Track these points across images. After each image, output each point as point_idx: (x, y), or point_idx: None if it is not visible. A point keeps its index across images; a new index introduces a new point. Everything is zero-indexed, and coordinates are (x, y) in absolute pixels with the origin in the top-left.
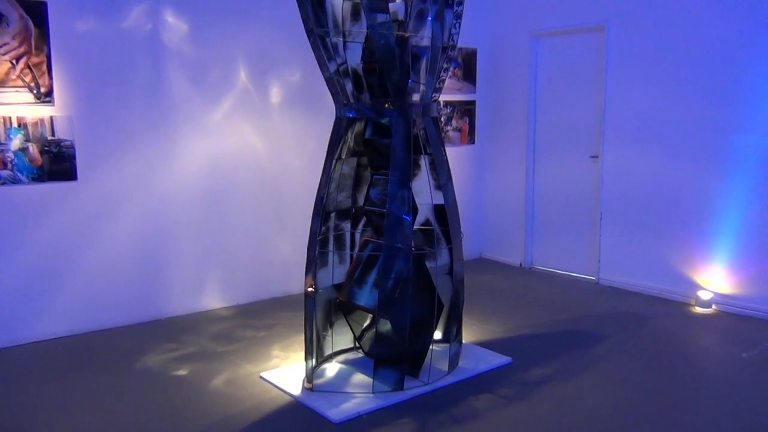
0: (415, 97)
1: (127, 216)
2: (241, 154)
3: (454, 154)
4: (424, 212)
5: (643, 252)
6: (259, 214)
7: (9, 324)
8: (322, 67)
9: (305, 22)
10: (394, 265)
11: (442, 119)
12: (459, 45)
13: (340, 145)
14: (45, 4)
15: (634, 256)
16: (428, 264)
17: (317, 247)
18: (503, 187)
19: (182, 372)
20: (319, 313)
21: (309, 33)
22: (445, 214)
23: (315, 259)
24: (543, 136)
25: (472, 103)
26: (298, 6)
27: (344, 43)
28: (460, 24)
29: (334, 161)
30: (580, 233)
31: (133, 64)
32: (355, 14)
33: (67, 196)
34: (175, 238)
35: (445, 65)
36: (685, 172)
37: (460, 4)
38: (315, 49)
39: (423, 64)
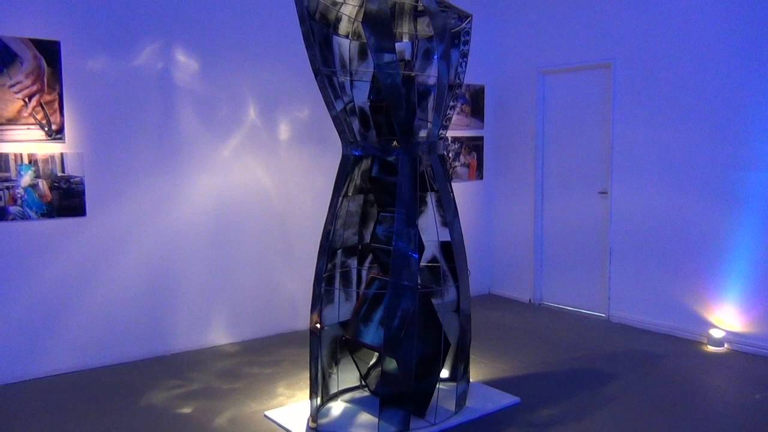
0: (422, 135)
1: (135, 252)
2: (249, 190)
3: (462, 189)
4: (430, 249)
5: (654, 289)
6: (267, 250)
7: (14, 359)
8: (329, 105)
9: (312, 62)
10: (400, 303)
11: (450, 155)
12: (466, 82)
13: (347, 182)
14: (58, 44)
15: (644, 293)
16: (435, 301)
17: (323, 284)
18: (512, 222)
19: (186, 410)
20: (324, 350)
21: (316, 73)
22: (451, 250)
23: (320, 297)
24: (551, 171)
25: (480, 138)
26: (306, 47)
27: (351, 82)
28: (466, 62)
29: (340, 198)
30: (589, 269)
31: (143, 101)
32: (362, 54)
33: (76, 231)
34: (182, 274)
35: (451, 103)
36: (694, 208)
37: (466, 43)
38: (322, 89)
39: (429, 103)
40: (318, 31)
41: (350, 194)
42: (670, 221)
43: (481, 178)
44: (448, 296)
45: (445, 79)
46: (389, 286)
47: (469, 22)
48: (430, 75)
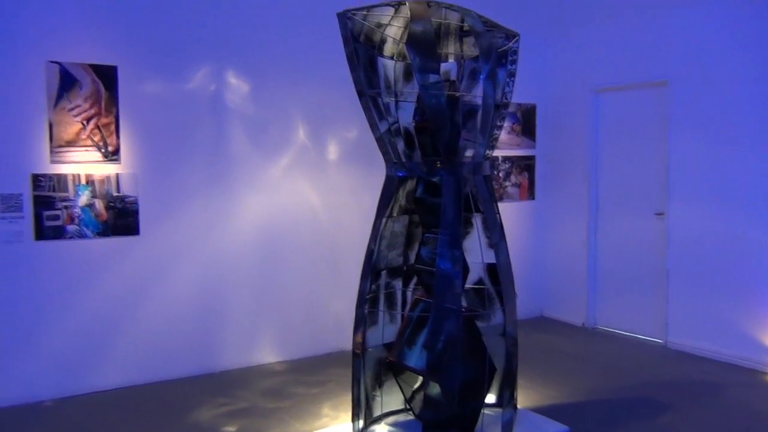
0: (468, 155)
1: (186, 270)
2: (297, 210)
3: (513, 209)
4: (476, 271)
5: (714, 314)
6: (315, 269)
7: (68, 374)
8: (373, 127)
9: (357, 84)
10: (444, 326)
11: (501, 174)
12: (517, 100)
13: (391, 203)
14: (115, 69)
15: (704, 318)
16: (480, 324)
17: (366, 306)
18: (564, 243)
19: (231, 428)
20: (368, 372)
21: (360, 94)
22: (498, 273)
23: (363, 318)
24: (605, 192)
25: (532, 158)
26: (350, 69)
27: (396, 103)
28: (513, 82)
29: (385, 219)
30: (645, 293)
31: (195, 123)
32: (408, 75)
33: (130, 250)
34: (231, 292)
35: (498, 123)
36: (756, 230)
37: (514, 62)
38: (366, 110)
39: (475, 123)
40: (362, 52)
41: (395, 215)
42: (731, 244)
43: (533, 198)
44: (495, 319)
45: (491, 99)
46: (432, 308)
47: (516, 41)
48: (476, 95)
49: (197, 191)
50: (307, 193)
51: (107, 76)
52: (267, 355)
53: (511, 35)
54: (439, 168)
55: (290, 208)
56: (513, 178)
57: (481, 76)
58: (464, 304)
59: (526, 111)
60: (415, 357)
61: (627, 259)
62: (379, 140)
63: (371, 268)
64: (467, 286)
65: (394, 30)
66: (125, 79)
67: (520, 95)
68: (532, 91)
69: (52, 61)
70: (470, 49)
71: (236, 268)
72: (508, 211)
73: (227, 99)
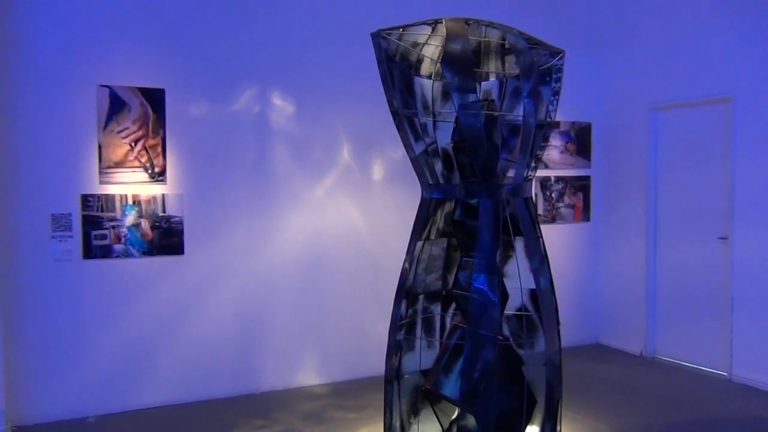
0: (510, 175)
1: (229, 290)
2: (341, 230)
3: (567, 231)
4: (517, 297)
5: None
6: (358, 291)
7: (111, 391)
8: (408, 147)
9: (390, 104)
10: (479, 355)
11: (553, 195)
12: (572, 119)
13: (428, 225)
14: (163, 92)
15: None
16: (523, 353)
17: (403, 332)
18: (622, 267)
19: None
20: (404, 399)
21: (394, 114)
22: (551, 299)
23: (395, 344)
24: (664, 214)
25: (587, 178)
26: (384, 89)
27: (434, 123)
28: (557, 101)
29: (422, 242)
30: (708, 322)
31: (240, 144)
32: (446, 94)
33: (174, 269)
34: (273, 313)
35: (542, 143)
36: None
37: (558, 80)
38: (401, 130)
39: (517, 143)
40: (398, 72)
41: (432, 237)
42: None
43: (588, 220)
44: (538, 348)
45: (533, 119)
46: (467, 335)
47: (560, 58)
48: (518, 114)
49: (241, 211)
50: (351, 214)
51: (155, 98)
52: (308, 377)
53: (555, 52)
54: (477, 190)
55: (333, 229)
56: (567, 198)
57: (522, 95)
58: (505, 331)
59: (580, 130)
60: (451, 386)
61: (688, 285)
62: (415, 161)
63: (405, 293)
64: (508, 312)
65: (431, 49)
66: (172, 102)
67: (574, 114)
68: (587, 109)
69: (103, 85)
70: (512, 67)
71: (279, 288)
72: (561, 233)
73: (272, 120)
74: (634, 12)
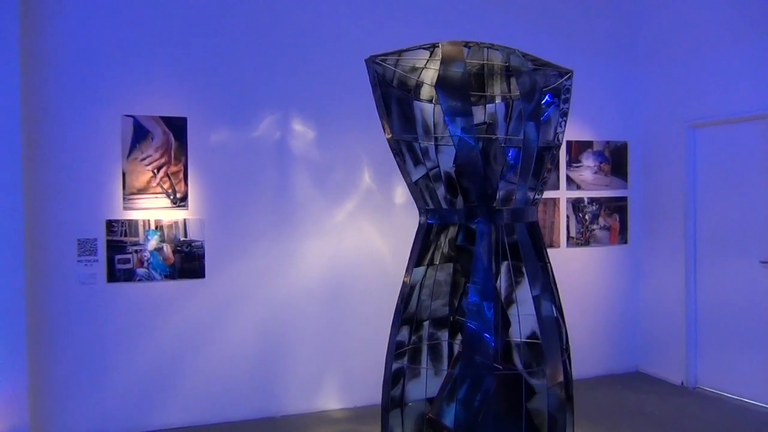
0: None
1: (250, 313)
2: (363, 254)
3: (602, 254)
4: (529, 324)
5: None
6: (380, 315)
7: (134, 410)
8: (406, 173)
9: (388, 130)
10: (473, 383)
11: (587, 217)
12: (606, 138)
13: (431, 250)
14: (185, 120)
15: None
16: (536, 383)
17: (406, 358)
18: (662, 292)
19: None
20: (408, 427)
21: (391, 140)
22: (558, 328)
23: (396, 372)
24: (705, 236)
25: (624, 199)
26: (379, 115)
27: (437, 147)
28: (565, 122)
29: (424, 267)
30: (753, 351)
31: (260, 170)
32: None
33: (195, 292)
34: (295, 337)
35: (549, 166)
36: None
37: (567, 101)
38: (398, 155)
39: (522, 167)
40: (396, 98)
41: (437, 263)
42: None
43: (626, 242)
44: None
45: (534, 142)
46: (460, 364)
47: (568, 78)
48: (514, 138)
49: (262, 236)
50: (373, 237)
51: (177, 127)
52: (329, 401)
53: (563, 72)
54: (473, 215)
55: (355, 253)
56: (601, 220)
57: (524, 117)
58: (516, 360)
59: (615, 149)
60: (452, 415)
61: (731, 311)
62: (413, 186)
63: (406, 319)
64: (521, 340)
65: (431, 74)
66: (194, 130)
67: (608, 133)
68: (623, 128)
69: (127, 115)
70: (517, 89)
71: (300, 312)
72: (596, 256)
73: (292, 145)
74: (670, 27)
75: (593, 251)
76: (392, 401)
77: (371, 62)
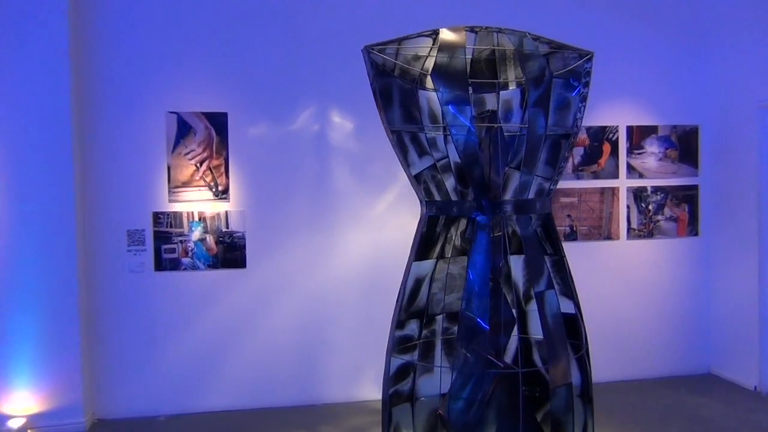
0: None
1: (289, 302)
2: (402, 245)
3: (668, 247)
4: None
5: None
6: None
7: (182, 393)
8: (409, 164)
9: (389, 121)
10: (470, 381)
11: (650, 207)
12: (673, 123)
13: (440, 243)
14: (226, 115)
15: None
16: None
17: (417, 352)
18: (735, 288)
19: None
20: (419, 422)
21: (391, 131)
22: (574, 325)
23: (403, 367)
24: None
25: (694, 188)
26: (378, 106)
27: (445, 137)
28: (585, 107)
29: (433, 261)
30: None
31: (299, 162)
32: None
33: (237, 282)
34: (334, 326)
35: (566, 154)
36: None
37: (587, 85)
38: (399, 146)
39: (541, 155)
40: (398, 87)
41: (448, 256)
42: None
43: (696, 234)
44: (572, 377)
45: (542, 129)
46: (456, 360)
47: (588, 60)
48: (518, 125)
49: (301, 227)
50: (411, 229)
51: (218, 122)
52: (369, 391)
53: (583, 54)
54: (471, 206)
55: (394, 244)
56: (668, 210)
57: (529, 104)
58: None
59: (684, 134)
60: (455, 411)
61: None
62: (416, 177)
63: (408, 313)
64: (539, 338)
65: (452, 60)
66: (234, 124)
67: (676, 116)
68: (693, 111)
69: (171, 111)
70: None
71: (339, 302)
72: (661, 248)
73: (331, 137)
74: (739, 3)
75: (658, 244)
76: (400, 396)
77: (368, 52)
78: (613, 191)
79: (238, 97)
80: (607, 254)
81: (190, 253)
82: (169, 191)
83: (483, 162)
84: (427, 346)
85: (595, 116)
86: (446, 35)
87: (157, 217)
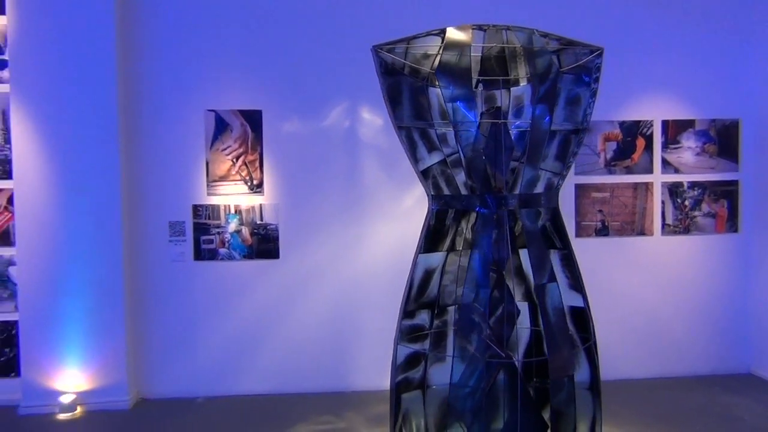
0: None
1: (321, 292)
2: None
3: (706, 243)
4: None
5: None
6: None
7: (219, 377)
8: (418, 160)
9: (398, 118)
10: (467, 372)
11: (687, 203)
12: (711, 116)
13: (450, 236)
14: (260, 113)
15: None
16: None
17: (428, 342)
18: None
19: None
20: (431, 410)
21: (400, 127)
22: (582, 318)
23: (414, 355)
24: None
25: (734, 183)
26: (389, 104)
27: (456, 133)
28: (594, 102)
29: (444, 253)
30: None
31: (330, 157)
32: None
33: (270, 272)
34: (363, 317)
35: (575, 150)
36: None
37: (597, 80)
38: (408, 142)
39: (552, 150)
40: (408, 85)
41: (459, 249)
42: None
43: (735, 231)
44: (580, 371)
45: (545, 125)
46: (453, 350)
47: (598, 56)
48: (520, 122)
49: (332, 219)
50: None
51: (253, 119)
52: None
53: (594, 50)
54: (474, 200)
55: None
56: (705, 206)
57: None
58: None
59: (723, 128)
60: (459, 401)
61: None
62: (425, 172)
63: (418, 303)
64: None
65: (456, 58)
66: (268, 121)
67: (714, 110)
68: (732, 104)
69: (209, 110)
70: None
71: (368, 293)
72: (698, 245)
73: (361, 133)
74: None
75: (695, 240)
76: (410, 383)
77: (376, 52)
78: (647, 186)
79: (272, 95)
80: (640, 250)
81: (226, 244)
82: (207, 185)
83: (487, 157)
84: (438, 336)
85: (629, 110)
86: (452, 34)
87: (197, 209)
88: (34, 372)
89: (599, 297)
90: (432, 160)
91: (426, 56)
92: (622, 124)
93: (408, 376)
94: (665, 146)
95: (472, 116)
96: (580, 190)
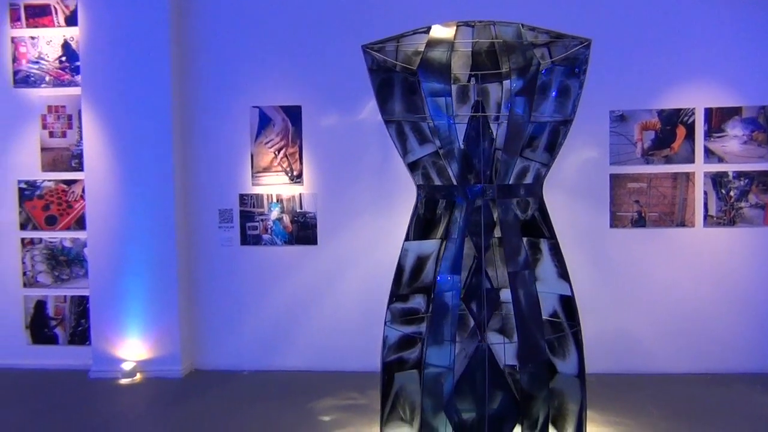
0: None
1: (356, 276)
2: None
3: (754, 236)
4: (550, 303)
5: None
6: None
7: (263, 352)
8: (407, 152)
9: (389, 113)
10: (437, 355)
11: (732, 194)
12: (762, 103)
13: (443, 224)
14: (300, 108)
15: None
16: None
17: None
18: None
19: (326, 418)
20: (427, 389)
21: (390, 121)
22: (571, 306)
23: (407, 337)
24: None
25: None
26: (381, 99)
27: (436, 126)
28: (580, 94)
29: (437, 241)
30: None
31: (365, 149)
32: (463, 96)
33: (309, 257)
34: None
35: (561, 141)
36: None
37: (584, 72)
38: (399, 135)
39: (541, 142)
40: (399, 81)
41: (454, 236)
42: None
43: None
44: (569, 359)
45: (522, 117)
46: (426, 336)
47: (586, 47)
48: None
49: (366, 208)
50: None
51: (293, 114)
52: None
53: (582, 41)
54: (454, 191)
55: None
56: (752, 197)
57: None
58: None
59: None
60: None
61: None
62: (414, 164)
63: (412, 288)
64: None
65: (437, 54)
66: (307, 116)
67: (763, 96)
68: None
69: (254, 106)
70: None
71: None
72: (744, 237)
73: None
74: None
75: (740, 232)
76: (405, 362)
77: (367, 51)
78: (688, 176)
79: (310, 92)
80: (681, 242)
81: (269, 231)
82: (252, 176)
83: (468, 149)
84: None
85: (669, 98)
86: (434, 32)
87: (243, 198)
88: (102, 341)
89: (634, 288)
90: (423, 151)
91: (417, 53)
92: (660, 112)
93: (402, 356)
94: (708, 135)
95: (447, 112)
96: (615, 180)
